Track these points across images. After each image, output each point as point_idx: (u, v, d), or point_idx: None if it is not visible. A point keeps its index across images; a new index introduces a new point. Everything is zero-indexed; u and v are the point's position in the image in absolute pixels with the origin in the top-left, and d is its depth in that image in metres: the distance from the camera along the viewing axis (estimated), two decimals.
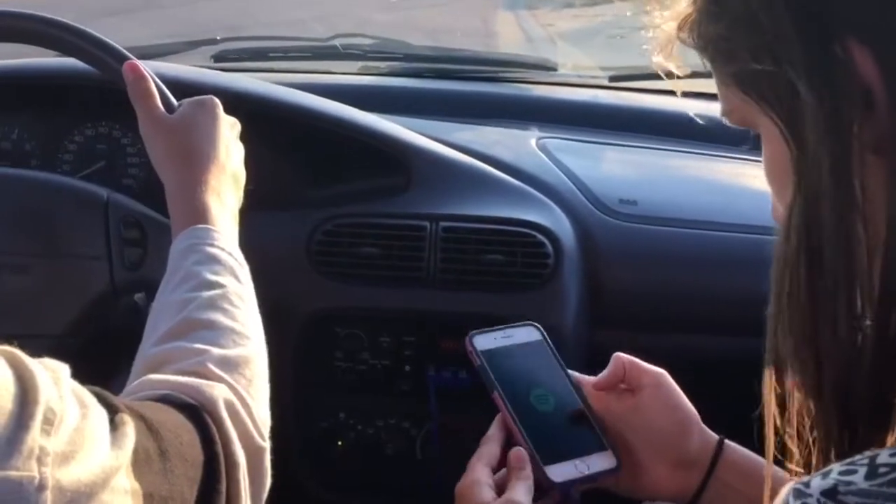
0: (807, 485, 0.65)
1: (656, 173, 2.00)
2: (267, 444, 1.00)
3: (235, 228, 1.20)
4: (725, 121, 0.81)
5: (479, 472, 1.02)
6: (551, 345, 1.16)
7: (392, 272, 1.69)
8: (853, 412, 0.70)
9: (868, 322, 0.69)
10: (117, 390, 0.95)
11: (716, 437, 1.11)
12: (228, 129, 1.27)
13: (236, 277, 1.12)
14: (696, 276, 1.76)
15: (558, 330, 1.66)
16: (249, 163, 1.31)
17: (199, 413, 0.91)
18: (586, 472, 1.06)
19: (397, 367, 1.72)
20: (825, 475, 0.65)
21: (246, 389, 0.99)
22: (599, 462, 1.08)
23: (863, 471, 0.64)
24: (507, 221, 1.71)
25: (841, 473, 0.64)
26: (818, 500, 0.63)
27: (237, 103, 1.44)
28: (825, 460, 0.71)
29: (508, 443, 1.07)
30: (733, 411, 1.45)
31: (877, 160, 0.69)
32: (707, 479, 1.08)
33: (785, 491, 0.66)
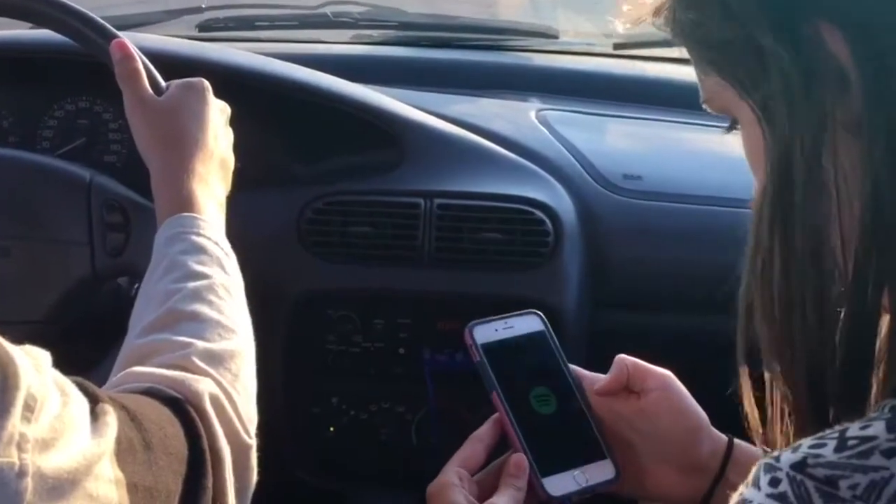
0: (777, 459, 0.67)
1: (663, 147, 2.00)
2: (253, 442, 1.01)
3: (222, 217, 1.22)
4: (707, 108, 0.84)
5: (452, 474, 1.02)
6: (553, 336, 1.15)
7: (385, 251, 1.70)
8: (826, 397, 0.73)
9: (840, 306, 0.72)
10: (102, 377, 0.97)
11: (725, 438, 1.11)
12: (218, 114, 1.28)
13: (223, 268, 1.13)
14: (704, 255, 1.75)
15: (559, 311, 1.68)
16: (236, 139, 1.32)
17: (183, 407, 0.93)
18: (584, 485, 1.06)
19: (391, 350, 1.73)
20: (795, 449, 0.67)
21: (231, 385, 1.00)
22: (598, 473, 1.08)
23: (832, 444, 0.66)
24: (504, 198, 1.72)
25: (811, 447, 0.67)
26: (787, 474, 0.66)
27: (224, 77, 1.45)
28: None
29: (500, 445, 1.08)
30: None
31: (851, 139, 0.72)
32: (716, 484, 1.09)
33: (756, 467, 0.69)
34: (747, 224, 1.71)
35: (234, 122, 1.33)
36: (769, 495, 0.66)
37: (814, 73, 0.72)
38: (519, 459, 1.04)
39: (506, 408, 1.07)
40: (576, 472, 1.06)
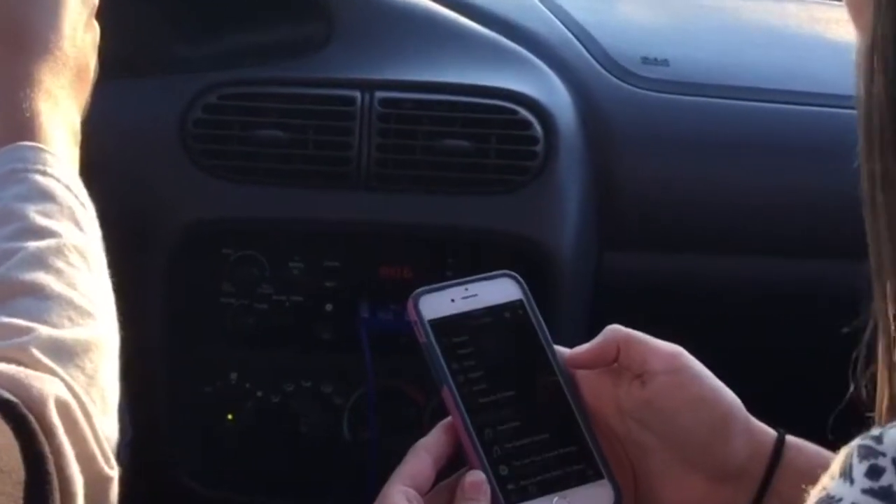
0: (878, 440, 0.66)
1: (695, 20, 2.02)
2: (115, 473, 0.99)
3: (76, 150, 1.20)
4: None
5: (398, 495, 1.02)
6: (535, 308, 1.12)
7: (305, 165, 1.71)
8: None
9: None
10: None
11: (771, 433, 1.10)
12: (78, 3, 1.27)
13: (77, 223, 1.11)
14: (751, 169, 1.78)
15: (550, 250, 1.69)
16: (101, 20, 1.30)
17: (20, 413, 0.91)
18: None
19: (315, 307, 1.75)
20: None
21: (86, 389, 0.98)
22: (589, 499, 1.05)
23: None
24: (475, 91, 1.73)
25: None
26: (894, 461, 0.65)
27: None
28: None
29: (454, 458, 1.07)
30: (801, 361, 1.47)
31: None
32: (762, 495, 1.08)
33: (846, 451, 0.67)
34: (814, 126, 1.72)
35: None
36: (867, 490, 0.65)
37: None
38: (476, 479, 1.03)
39: (460, 409, 1.04)
40: (556, 498, 1.06)
